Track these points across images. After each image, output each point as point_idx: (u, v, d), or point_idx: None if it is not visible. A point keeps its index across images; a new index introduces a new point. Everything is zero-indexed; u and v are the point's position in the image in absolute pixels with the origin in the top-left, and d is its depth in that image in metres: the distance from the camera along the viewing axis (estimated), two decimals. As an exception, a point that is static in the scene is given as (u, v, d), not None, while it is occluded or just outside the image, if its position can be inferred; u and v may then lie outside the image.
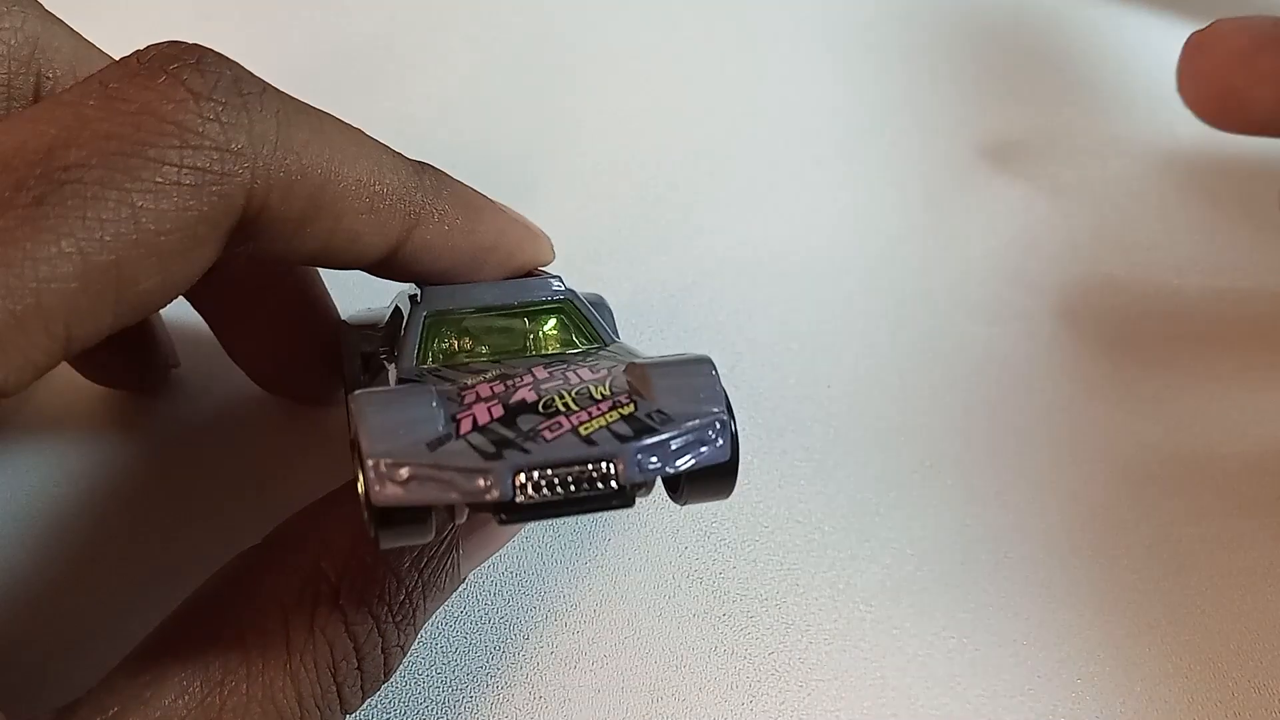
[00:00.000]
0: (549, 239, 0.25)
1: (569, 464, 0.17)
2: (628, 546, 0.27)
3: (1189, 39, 0.26)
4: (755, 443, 0.29)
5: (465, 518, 0.20)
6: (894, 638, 0.26)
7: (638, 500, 0.18)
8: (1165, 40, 0.43)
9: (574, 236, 0.34)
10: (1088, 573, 0.27)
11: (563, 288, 0.23)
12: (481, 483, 0.17)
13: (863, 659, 0.25)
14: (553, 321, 0.23)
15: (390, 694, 0.24)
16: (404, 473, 0.17)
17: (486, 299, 0.23)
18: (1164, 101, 0.40)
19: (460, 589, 0.26)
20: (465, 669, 0.25)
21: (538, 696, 0.24)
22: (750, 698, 0.24)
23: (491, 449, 0.17)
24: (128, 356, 0.28)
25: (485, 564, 0.26)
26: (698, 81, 0.41)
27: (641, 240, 0.35)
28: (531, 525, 0.27)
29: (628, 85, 0.40)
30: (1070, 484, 0.29)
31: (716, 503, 0.27)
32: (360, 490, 0.17)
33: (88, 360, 0.28)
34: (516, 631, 0.25)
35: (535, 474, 0.17)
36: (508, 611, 0.26)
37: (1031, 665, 0.25)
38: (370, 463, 0.17)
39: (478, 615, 0.26)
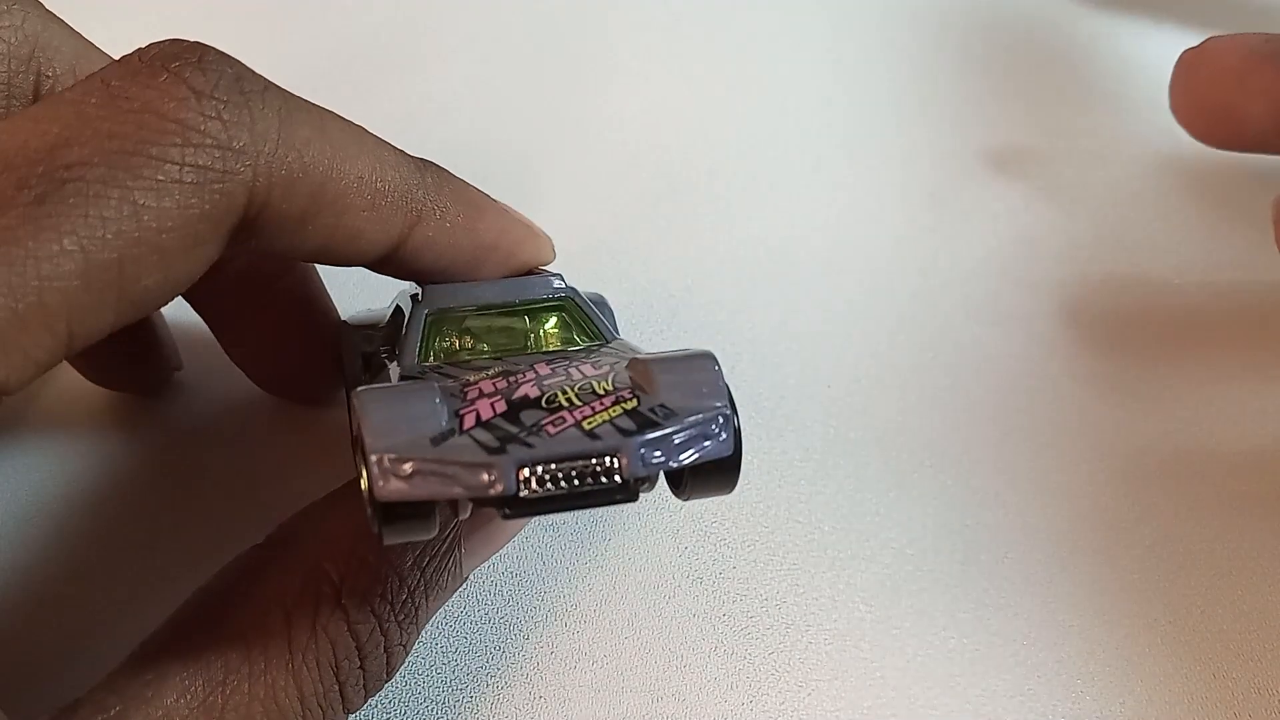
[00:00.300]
0: (549, 239, 0.25)
1: (572, 458, 0.17)
2: (628, 546, 0.27)
3: (1181, 57, 0.26)
4: (755, 443, 0.29)
5: (469, 513, 0.20)
6: (894, 638, 0.26)
7: (641, 495, 0.18)
8: (1164, 46, 0.43)
9: (575, 236, 0.34)
10: (1088, 573, 0.27)
11: (564, 286, 0.23)
12: (485, 477, 0.17)
13: (863, 659, 0.25)
14: (554, 319, 0.23)
15: (390, 694, 0.24)
16: (407, 468, 0.17)
17: (488, 297, 0.23)
18: (1163, 104, 0.40)
19: (460, 588, 0.26)
20: (465, 669, 0.25)
21: (538, 696, 0.24)
22: (750, 698, 0.24)
23: (495, 444, 0.17)
24: (131, 359, 0.28)
25: (486, 564, 0.26)
26: (699, 82, 0.41)
27: (641, 240, 0.35)
28: (532, 524, 0.27)
29: (629, 85, 0.41)
30: (1070, 484, 0.29)
31: (717, 501, 0.28)
32: (364, 486, 0.17)
33: (91, 362, 0.28)
34: (516, 631, 0.25)
35: (539, 468, 0.17)
36: (508, 611, 0.26)
37: (1031, 665, 0.25)
38: (374, 458, 0.17)
39: (478, 615, 0.26)
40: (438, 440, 0.17)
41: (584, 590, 0.26)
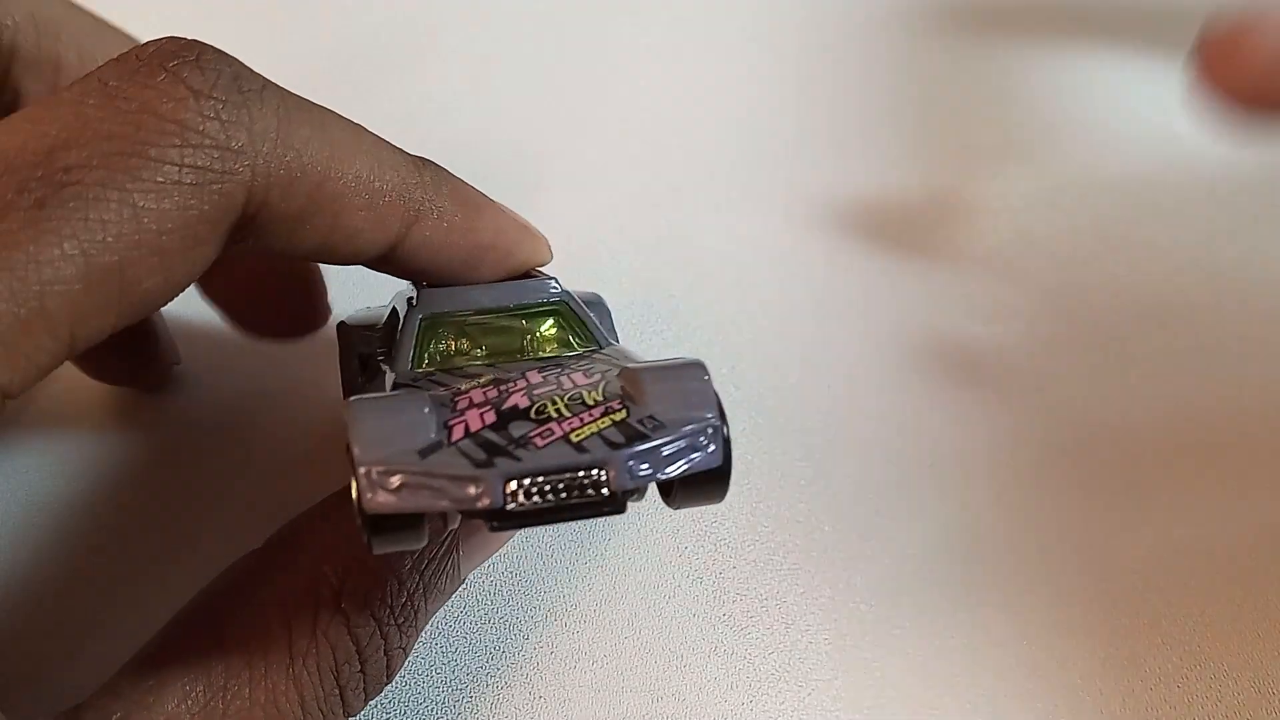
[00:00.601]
0: (546, 239, 0.25)
1: (560, 471, 0.17)
2: (628, 546, 0.27)
3: (1214, 30, 0.24)
4: (755, 443, 0.29)
5: (458, 524, 0.20)
6: (894, 638, 0.26)
7: (630, 505, 0.18)
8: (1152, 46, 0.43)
9: (575, 237, 0.34)
10: (1088, 572, 0.27)
11: (559, 289, 0.23)
12: (472, 490, 0.17)
13: (863, 659, 0.25)
14: (549, 323, 0.23)
15: (390, 694, 0.24)
16: (396, 480, 0.17)
17: (482, 301, 0.23)
18: (1162, 104, 0.40)
19: (460, 589, 0.26)
20: (465, 669, 0.25)
21: (538, 696, 0.24)
22: (750, 698, 0.25)
23: (483, 456, 0.17)
24: (130, 354, 0.28)
25: (485, 564, 0.26)
26: (699, 82, 0.41)
27: (642, 240, 0.35)
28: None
29: (629, 87, 0.40)
30: (1071, 484, 0.29)
31: (714, 505, 0.28)
32: (354, 497, 0.17)
33: (91, 359, 0.28)
34: (516, 631, 0.25)
35: (526, 481, 0.17)
36: (508, 611, 0.26)
37: (1031, 665, 0.25)
38: (362, 470, 0.17)
39: (478, 615, 0.26)
40: (426, 452, 0.17)
41: (584, 590, 0.26)
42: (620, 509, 0.18)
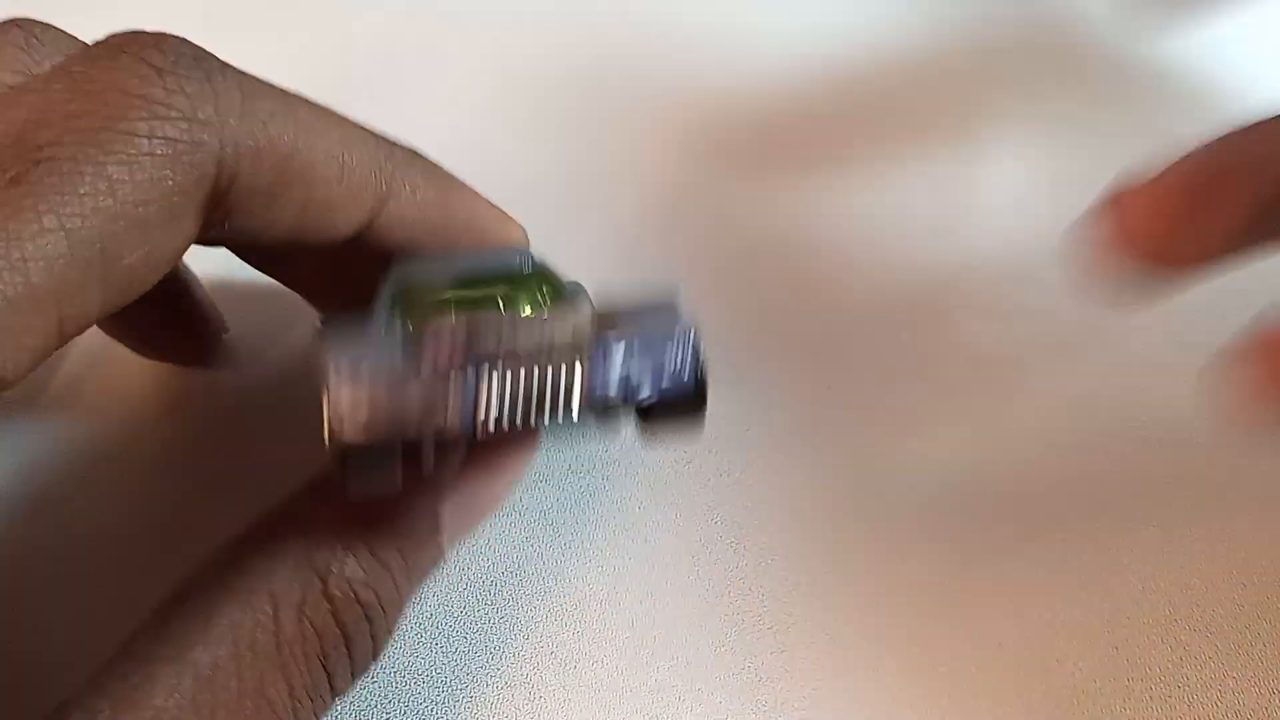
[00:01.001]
0: (521, 225, 0.25)
1: (529, 385, 0.18)
2: (628, 547, 0.27)
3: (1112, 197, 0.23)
4: (756, 443, 0.29)
5: (433, 464, 0.20)
6: (894, 638, 0.25)
7: (610, 424, 0.19)
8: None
9: (574, 235, 0.34)
10: (1089, 572, 0.27)
11: (534, 258, 0.23)
12: (444, 410, 0.17)
13: (862, 659, 0.25)
14: (529, 293, 0.23)
15: (390, 694, 0.24)
16: (365, 411, 0.17)
17: (456, 270, 0.23)
18: (1170, 94, 0.39)
19: (459, 588, 0.26)
20: (465, 669, 0.25)
21: (538, 696, 0.24)
22: (751, 697, 0.24)
23: (453, 376, 0.18)
24: (171, 322, 0.28)
25: (485, 563, 0.26)
26: (699, 80, 0.41)
27: (642, 240, 0.35)
28: (531, 522, 0.27)
29: (627, 86, 0.40)
30: (1072, 482, 0.29)
31: (717, 501, 0.28)
32: (325, 435, 0.17)
33: (128, 328, 0.28)
34: (516, 631, 0.25)
35: (495, 395, 0.17)
36: (508, 611, 0.26)
37: (1031, 665, 0.25)
38: (333, 402, 0.17)
39: (478, 615, 0.26)
40: (395, 382, 0.17)
41: (584, 590, 0.26)
42: (597, 411, 0.18)
